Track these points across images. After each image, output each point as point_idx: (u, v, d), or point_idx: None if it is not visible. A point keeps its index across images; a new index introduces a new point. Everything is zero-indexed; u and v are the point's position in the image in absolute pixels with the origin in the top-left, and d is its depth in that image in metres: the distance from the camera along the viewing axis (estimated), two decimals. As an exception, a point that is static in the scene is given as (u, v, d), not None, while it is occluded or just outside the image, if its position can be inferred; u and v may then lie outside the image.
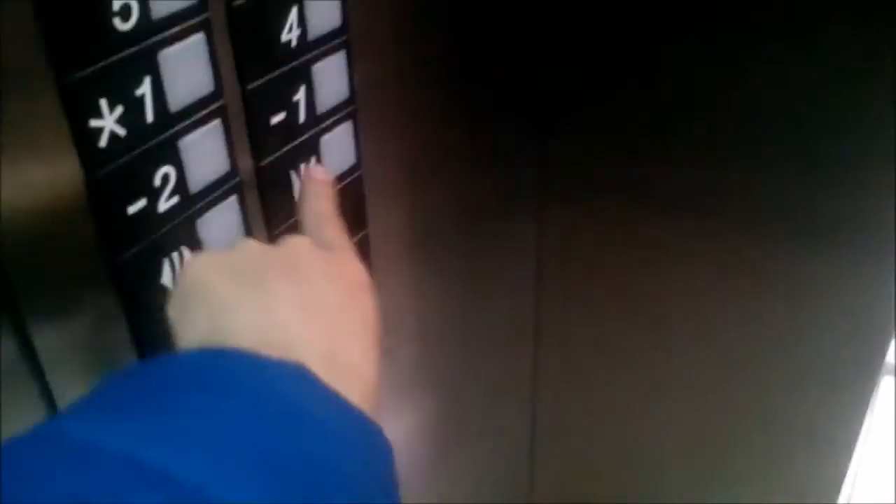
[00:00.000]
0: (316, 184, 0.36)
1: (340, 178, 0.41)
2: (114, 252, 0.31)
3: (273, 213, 0.38)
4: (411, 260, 0.51)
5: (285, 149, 0.38)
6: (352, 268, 0.32)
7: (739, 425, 0.64)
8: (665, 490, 0.71)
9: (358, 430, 0.25)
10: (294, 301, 0.28)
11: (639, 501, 0.72)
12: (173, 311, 0.29)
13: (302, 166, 0.39)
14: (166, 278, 0.33)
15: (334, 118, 0.40)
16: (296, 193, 0.39)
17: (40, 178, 0.28)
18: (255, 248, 0.31)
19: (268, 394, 0.24)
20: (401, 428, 0.55)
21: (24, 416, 0.30)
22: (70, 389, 0.31)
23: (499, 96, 0.54)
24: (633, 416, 0.68)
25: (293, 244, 0.31)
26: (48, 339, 0.30)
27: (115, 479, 0.20)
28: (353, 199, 0.43)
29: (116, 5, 0.28)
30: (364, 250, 0.45)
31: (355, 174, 0.42)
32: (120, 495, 0.20)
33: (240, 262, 0.29)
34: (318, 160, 0.40)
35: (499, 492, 0.74)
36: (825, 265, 0.54)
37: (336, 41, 0.38)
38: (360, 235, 0.44)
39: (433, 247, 0.52)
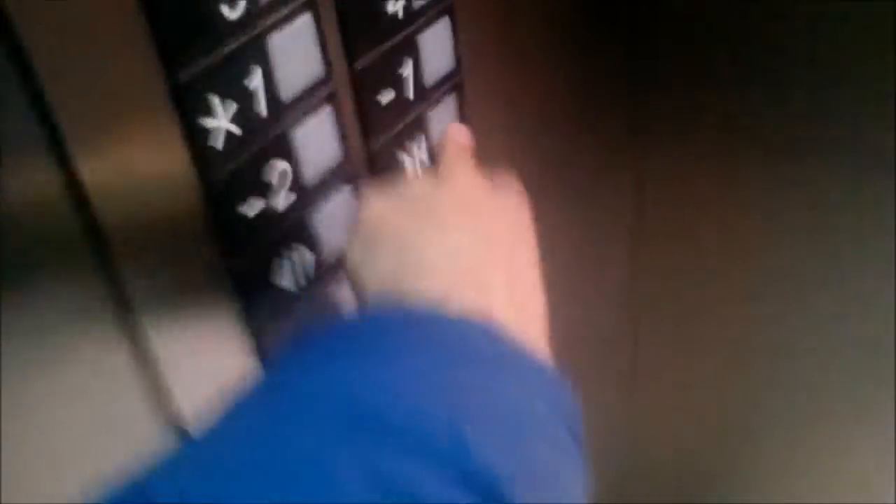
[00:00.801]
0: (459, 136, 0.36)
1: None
2: (233, 254, 0.29)
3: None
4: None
5: (396, 128, 0.35)
6: (515, 201, 0.32)
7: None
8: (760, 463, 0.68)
9: (550, 384, 0.26)
10: (476, 240, 0.28)
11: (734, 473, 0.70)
12: (356, 255, 0.29)
13: (412, 144, 0.36)
14: (286, 279, 0.31)
15: (441, 91, 0.37)
16: (408, 175, 0.36)
17: (153, 182, 0.26)
18: (426, 186, 0.31)
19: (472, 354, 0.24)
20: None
21: (145, 424, 0.29)
22: (190, 398, 0.29)
23: (594, 65, 0.50)
24: (733, 383, 0.65)
25: (461, 180, 0.31)
26: (168, 347, 0.28)
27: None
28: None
29: (223, -7, 0.26)
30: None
31: (463, 149, 0.40)
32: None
33: (417, 202, 0.29)
34: (426, 136, 0.37)
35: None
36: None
37: (440, 6, 0.35)
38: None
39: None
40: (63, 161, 0.23)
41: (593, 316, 0.62)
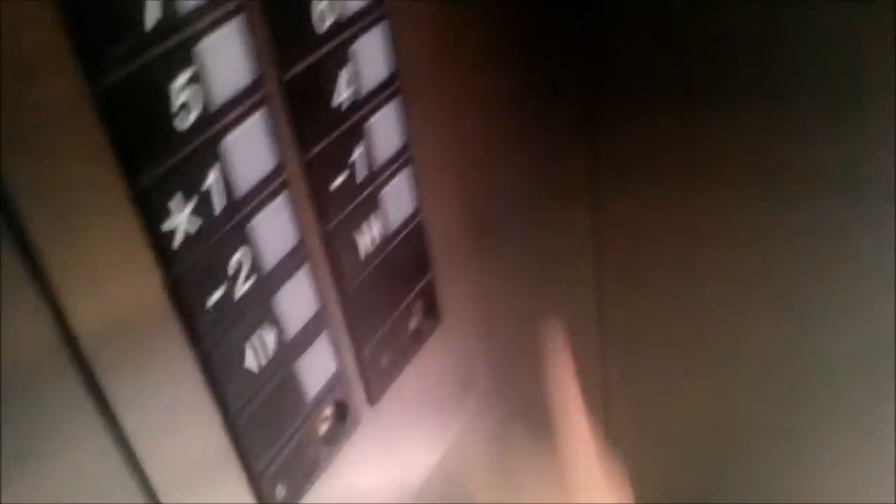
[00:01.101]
0: None
1: (402, 226, 0.41)
2: (199, 341, 0.31)
3: (343, 273, 0.38)
4: (475, 289, 0.50)
5: (349, 209, 0.37)
6: None
7: (809, 405, 0.63)
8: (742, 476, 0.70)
9: None
10: None
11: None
12: None
13: (366, 223, 0.38)
14: (250, 361, 0.33)
15: (391, 169, 0.39)
16: (362, 250, 0.39)
17: (120, 282, 0.28)
18: None
19: None
20: (476, 457, 0.55)
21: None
22: (166, 478, 0.31)
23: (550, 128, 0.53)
24: (707, 401, 0.68)
25: None
26: (144, 432, 0.30)
27: None
28: (415, 245, 0.43)
29: (177, 103, 0.28)
30: (431, 293, 0.44)
31: (415, 220, 0.42)
32: None
33: None
34: (379, 213, 0.39)
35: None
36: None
37: (387, 92, 0.38)
38: (426, 279, 0.44)
39: (495, 270, 0.52)
40: (36, 271, 0.25)
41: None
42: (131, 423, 0.29)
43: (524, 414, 0.58)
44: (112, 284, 0.28)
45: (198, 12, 0.27)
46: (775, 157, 0.54)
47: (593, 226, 0.62)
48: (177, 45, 0.27)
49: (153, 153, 0.27)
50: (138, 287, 0.29)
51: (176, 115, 0.28)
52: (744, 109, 0.53)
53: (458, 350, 0.49)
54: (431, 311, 0.45)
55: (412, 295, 0.43)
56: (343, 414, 0.39)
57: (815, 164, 0.53)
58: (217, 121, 0.29)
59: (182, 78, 0.27)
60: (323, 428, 0.38)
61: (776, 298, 0.60)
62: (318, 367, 0.37)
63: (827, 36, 0.48)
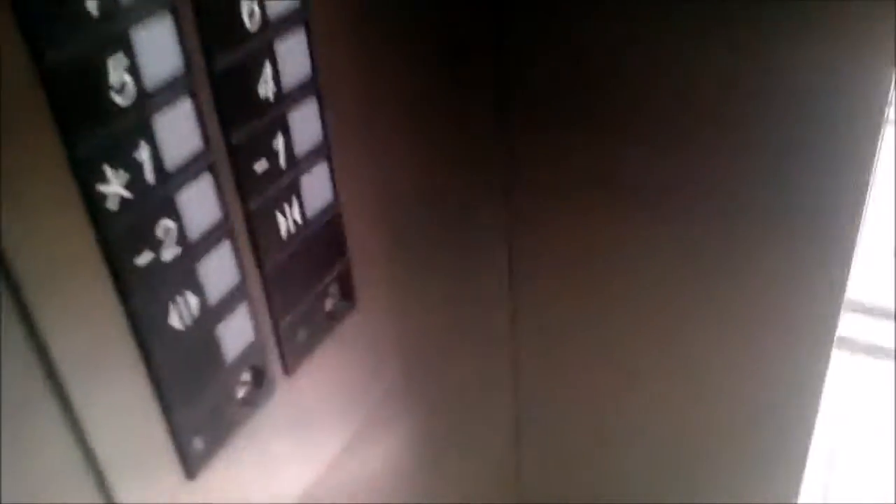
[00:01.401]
0: None
1: (321, 214, 0.45)
2: (128, 297, 0.34)
3: (263, 251, 0.42)
4: (390, 279, 0.54)
5: (270, 193, 0.41)
6: None
7: (713, 418, 0.68)
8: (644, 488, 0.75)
9: None
10: None
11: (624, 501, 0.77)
12: None
13: (286, 206, 0.42)
14: (174, 320, 0.36)
15: (311, 159, 0.44)
16: (282, 232, 0.43)
17: (59, 241, 0.32)
18: None
19: None
20: (385, 443, 0.59)
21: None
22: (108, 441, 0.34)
23: (469, 133, 0.58)
24: (613, 415, 0.73)
25: None
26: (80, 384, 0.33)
27: None
28: (333, 232, 0.47)
29: (115, 82, 0.32)
30: (347, 278, 0.49)
31: (333, 210, 0.46)
32: None
33: None
34: (299, 198, 0.43)
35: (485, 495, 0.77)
36: (786, 254, 0.58)
37: (308, 89, 0.42)
38: (342, 264, 0.48)
39: (410, 264, 0.56)
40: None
41: (474, 363, 0.68)
42: (65, 369, 0.33)
43: (433, 403, 0.63)
44: (52, 241, 0.31)
45: (136, 3, 0.32)
46: (666, 173, 0.59)
47: (506, 220, 0.67)
48: (114, 30, 0.31)
49: (91, 124, 0.31)
50: (75, 245, 0.32)
51: (113, 91, 0.32)
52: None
53: (370, 336, 0.53)
54: (347, 295, 0.49)
55: (329, 278, 0.47)
56: (259, 380, 0.43)
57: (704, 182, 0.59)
58: (150, 100, 0.33)
59: (119, 60, 0.31)
60: (241, 391, 0.42)
61: (668, 301, 0.65)
62: (237, 333, 0.40)
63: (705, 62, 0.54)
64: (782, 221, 0.58)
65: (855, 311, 1.41)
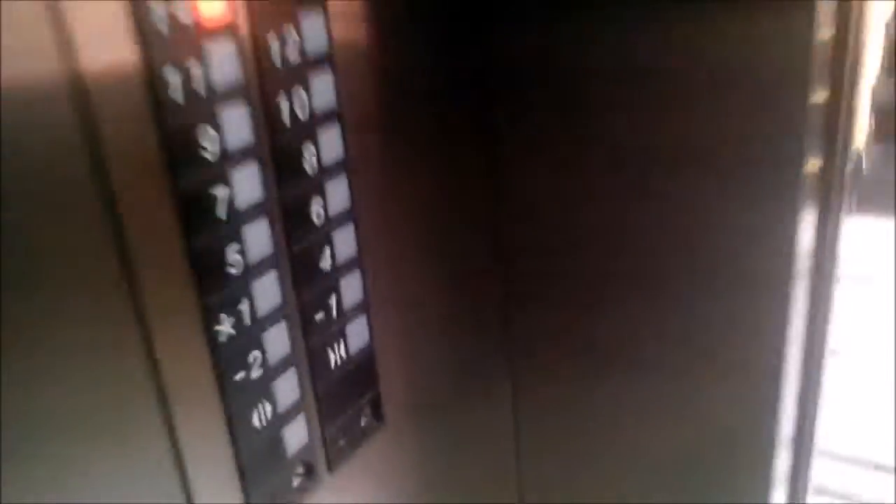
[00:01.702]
0: None
1: (359, 353, 0.62)
2: (226, 406, 0.51)
3: (317, 378, 0.58)
4: (413, 405, 0.70)
5: (324, 336, 0.58)
6: None
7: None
8: None
9: None
10: None
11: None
12: None
13: (335, 344, 0.59)
14: (255, 421, 0.53)
15: (354, 313, 0.61)
16: (331, 364, 0.59)
17: (188, 364, 0.49)
18: None
19: None
20: None
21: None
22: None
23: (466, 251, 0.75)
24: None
25: None
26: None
27: None
28: (367, 367, 0.63)
29: (231, 261, 0.49)
30: (377, 400, 0.64)
31: (369, 349, 0.63)
32: None
33: None
34: (345, 341, 0.60)
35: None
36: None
37: (353, 265, 0.60)
38: (373, 390, 0.64)
39: (431, 393, 0.72)
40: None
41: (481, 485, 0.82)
42: (189, 462, 0.49)
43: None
44: (187, 367, 0.48)
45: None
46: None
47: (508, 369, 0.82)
48: (232, 226, 0.49)
49: (217, 287, 0.49)
50: (199, 368, 0.49)
51: (229, 267, 0.49)
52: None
53: (396, 448, 0.68)
54: (377, 415, 0.65)
55: (363, 401, 0.63)
56: (310, 473, 0.58)
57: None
58: (252, 271, 0.51)
59: (233, 247, 0.49)
60: (296, 481, 0.58)
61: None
62: (295, 436, 0.56)
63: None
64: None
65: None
